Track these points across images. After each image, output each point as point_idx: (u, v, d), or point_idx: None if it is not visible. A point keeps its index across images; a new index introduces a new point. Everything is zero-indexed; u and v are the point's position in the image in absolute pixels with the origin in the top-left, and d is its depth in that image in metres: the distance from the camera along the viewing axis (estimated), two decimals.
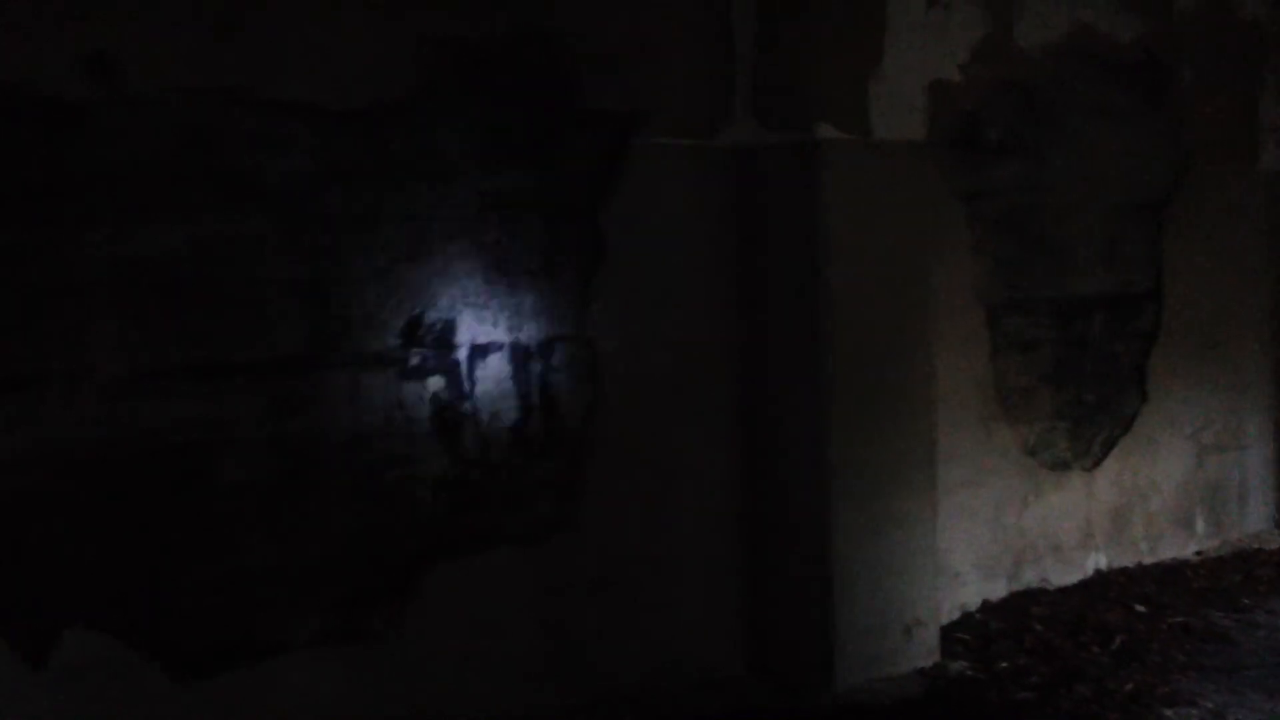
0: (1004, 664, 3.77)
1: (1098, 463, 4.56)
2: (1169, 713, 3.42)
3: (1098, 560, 4.56)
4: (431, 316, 3.23)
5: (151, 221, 2.85)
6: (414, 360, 3.21)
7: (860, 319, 3.56)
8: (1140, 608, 4.21)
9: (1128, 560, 4.64)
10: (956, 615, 4.10)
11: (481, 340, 3.29)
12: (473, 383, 3.29)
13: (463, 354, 3.27)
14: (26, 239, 2.73)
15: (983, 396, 4.21)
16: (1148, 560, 4.70)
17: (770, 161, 3.62)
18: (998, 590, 4.28)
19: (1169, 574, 4.58)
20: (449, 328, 3.25)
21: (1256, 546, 4.93)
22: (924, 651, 3.73)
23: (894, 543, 3.66)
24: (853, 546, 3.58)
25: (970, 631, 4.03)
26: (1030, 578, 4.37)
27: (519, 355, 3.36)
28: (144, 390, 2.86)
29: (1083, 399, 4.51)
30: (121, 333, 2.84)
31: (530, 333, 3.37)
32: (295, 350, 3.04)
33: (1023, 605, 4.24)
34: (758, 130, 3.63)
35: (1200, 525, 4.89)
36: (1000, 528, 4.29)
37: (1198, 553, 4.85)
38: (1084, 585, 4.44)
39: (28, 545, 2.75)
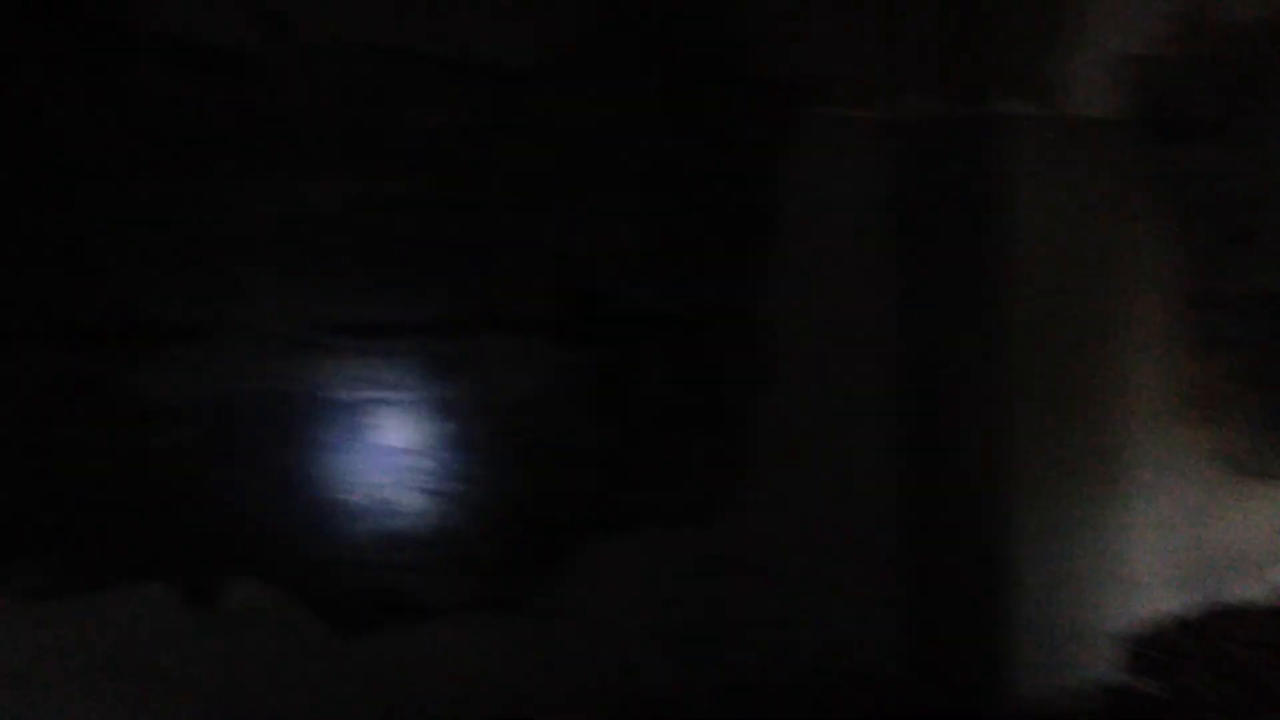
0: (1194, 685, 3.51)
1: None
2: None
3: None
4: (594, 284, 3.19)
5: (318, 176, 2.87)
6: (576, 328, 3.16)
7: (1042, 309, 3.37)
8: None
9: None
10: (1142, 629, 3.85)
11: (644, 311, 3.23)
12: (634, 354, 3.23)
13: (625, 324, 3.22)
14: (200, 190, 2.77)
15: (1175, 397, 3.95)
16: None
17: (949, 136, 3.47)
18: (1189, 605, 4.00)
19: None
20: (612, 296, 3.20)
21: None
22: (1104, 664, 3.50)
23: (1074, 548, 3.45)
24: (1029, 549, 3.39)
25: (1157, 647, 3.78)
26: (1225, 593, 4.07)
27: (682, 328, 3.29)
28: (308, 346, 2.88)
29: None
30: (288, 287, 2.86)
31: (695, 305, 3.30)
32: (457, 312, 3.03)
33: (1218, 623, 3.95)
34: (937, 102, 3.49)
35: None
36: (1192, 538, 4.01)
37: None
38: None
39: (194, 493, 2.79)
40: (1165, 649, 3.77)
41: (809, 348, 3.43)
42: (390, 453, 2.98)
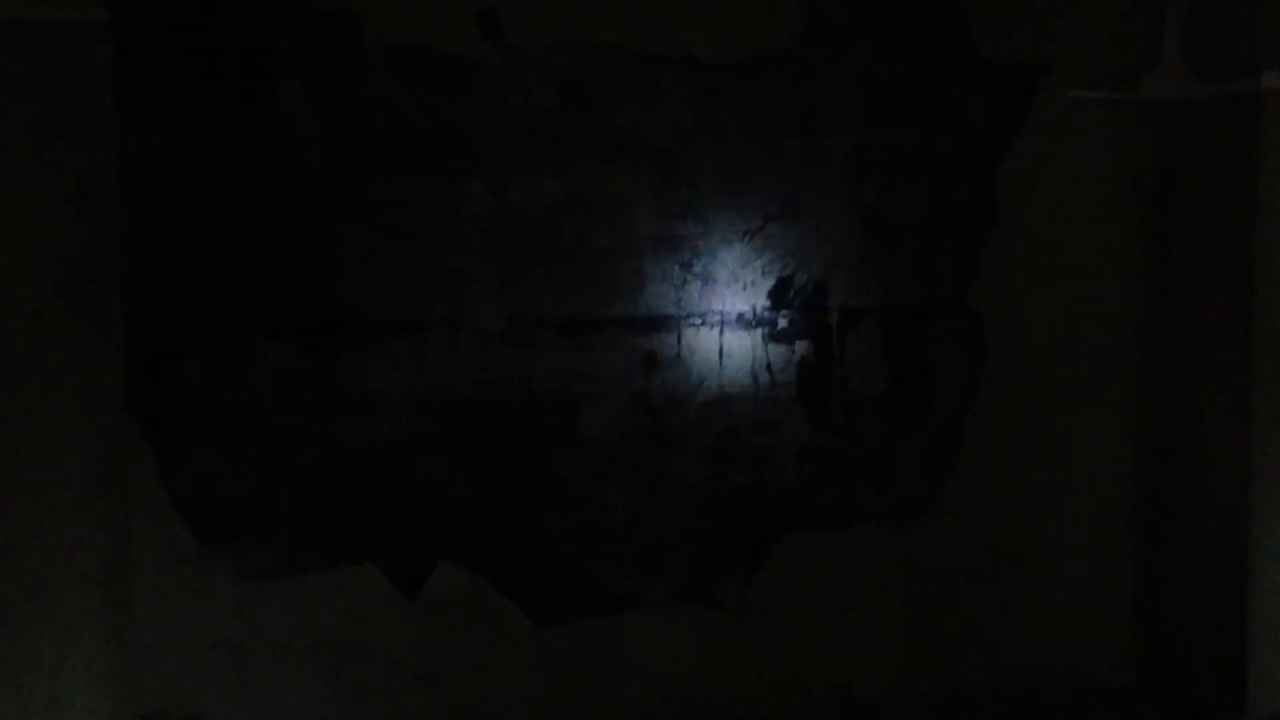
0: None
1: None
2: None
3: None
4: (801, 278, 3.10)
5: (528, 175, 2.90)
6: (782, 322, 3.10)
7: None
8: None
9: None
10: None
11: (854, 304, 3.13)
12: (842, 349, 3.14)
13: (833, 318, 3.13)
14: (416, 190, 2.84)
15: None
16: None
17: (1199, 115, 3.19)
18: None
19: None
20: (820, 290, 3.11)
21: None
22: None
23: None
24: (1277, 554, 3.13)
25: None
26: None
27: (894, 322, 3.17)
28: (516, 340, 2.92)
29: None
30: (498, 284, 2.91)
31: (908, 298, 3.17)
32: (662, 307, 3.01)
33: None
34: (1187, 80, 3.21)
35: None
36: None
37: None
38: None
39: (406, 481, 2.89)
40: None
41: (1032, 343, 3.26)
42: (595, 445, 3.00)
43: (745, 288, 3.06)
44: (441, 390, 2.89)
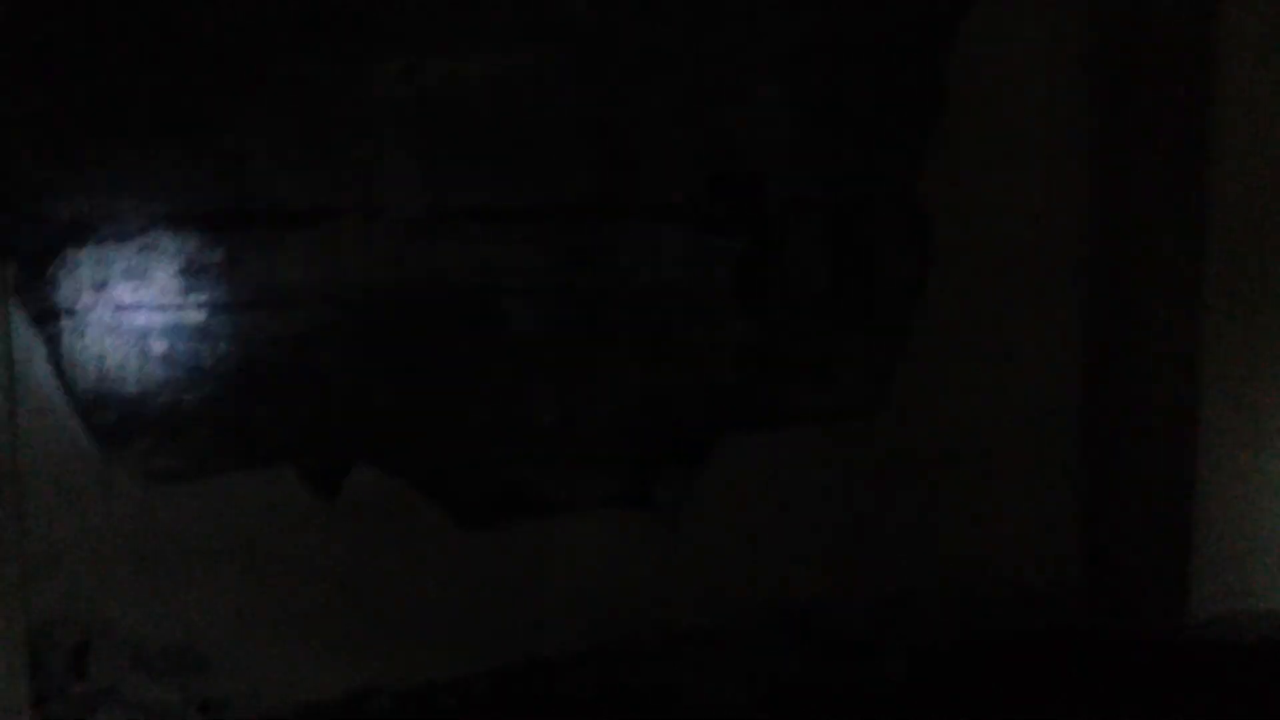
0: None
1: None
2: None
3: None
4: (739, 167, 2.99)
5: (447, 53, 2.74)
6: (718, 213, 2.98)
7: (1258, 189, 2.99)
8: None
9: None
10: None
11: (794, 196, 3.03)
12: (782, 242, 3.03)
13: (772, 209, 3.02)
14: (326, 69, 2.68)
15: None
16: None
17: None
18: None
19: None
20: (758, 180, 3.00)
21: None
22: None
23: (1272, 463, 3.11)
24: (1224, 458, 3.09)
25: None
26: None
27: (836, 215, 3.07)
28: (435, 231, 2.80)
29: None
30: (415, 170, 2.77)
31: (851, 190, 3.07)
32: (590, 196, 2.89)
33: None
34: None
35: None
36: None
37: None
38: None
39: (320, 380, 2.77)
40: None
41: (978, 237, 3.18)
42: (520, 342, 2.89)
43: (679, 176, 2.95)
44: (357, 283, 2.76)
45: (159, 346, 2.63)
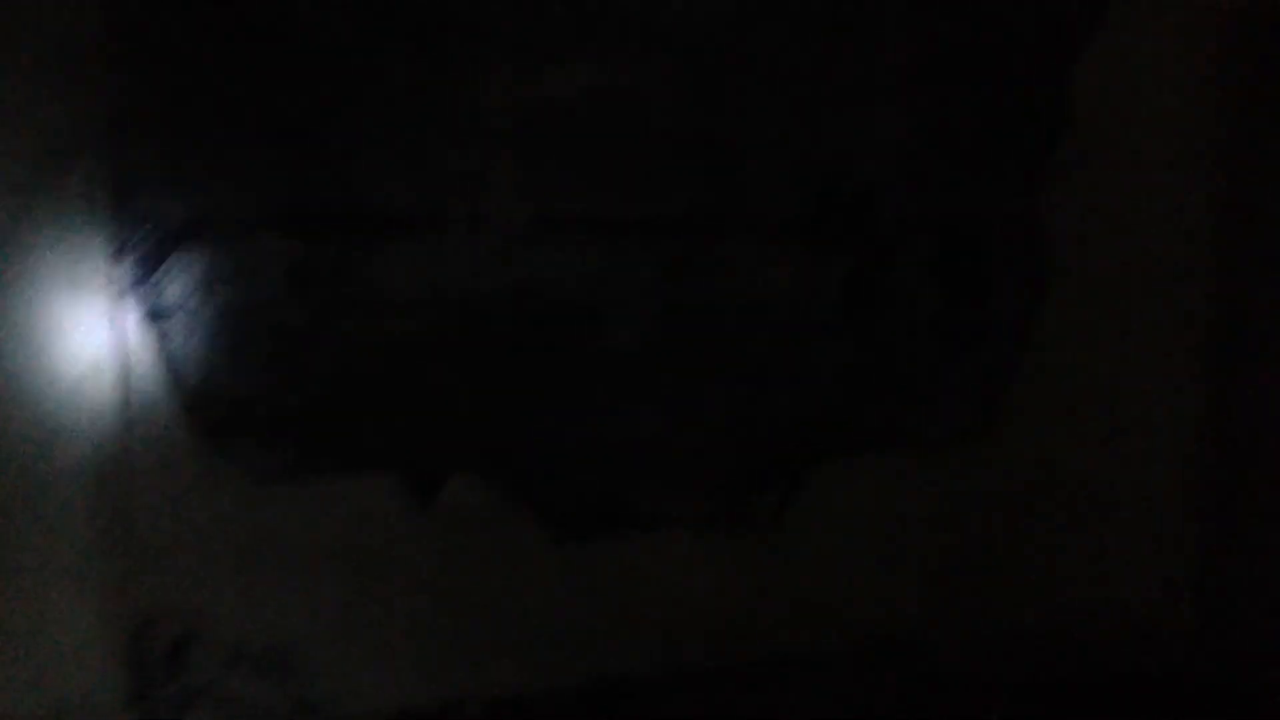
0: None
1: None
2: None
3: None
4: (849, 184, 2.92)
5: (557, 62, 2.73)
6: (826, 231, 2.92)
7: None
8: None
9: None
10: None
11: (907, 213, 2.95)
12: (891, 262, 2.96)
13: (883, 228, 2.94)
14: (433, 75, 2.69)
15: None
16: None
17: None
18: None
19: None
20: (867, 198, 2.93)
21: None
22: None
23: None
24: None
25: None
26: None
27: (949, 234, 2.98)
28: (538, 241, 2.79)
29: None
30: (520, 180, 2.76)
31: (967, 208, 2.98)
32: (695, 210, 2.85)
33: None
34: None
35: None
36: None
37: None
38: None
39: (422, 387, 2.77)
40: None
41: (1100, 266, 3.07)
42: (620, 356, 2.86)
43: (786, 192, 2.89)
44: (461, 292, 2.76)
45: (263, 348, 2.66)
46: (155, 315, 2.58)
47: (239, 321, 2.64)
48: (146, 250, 2.56)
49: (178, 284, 2.59)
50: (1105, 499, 3.15)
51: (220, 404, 2.64)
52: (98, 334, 2.52)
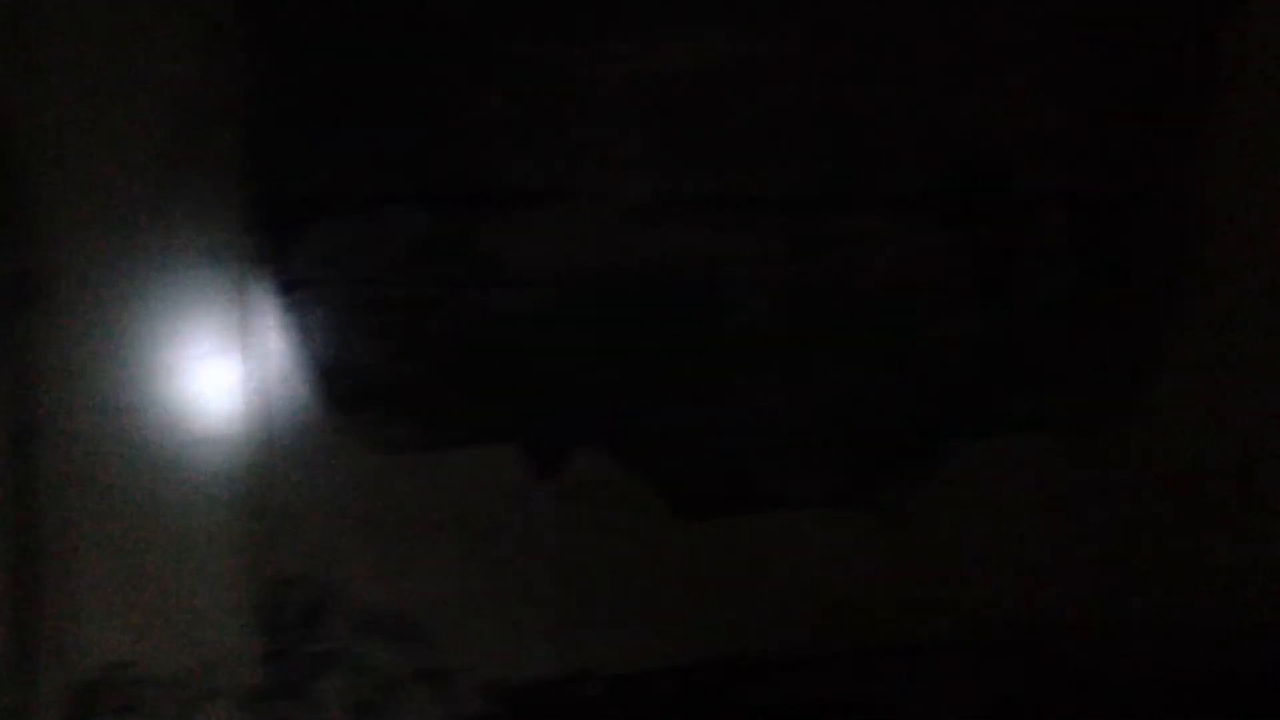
0: None
1: None
2: None
3: None
4: (981, 156, 2.84)
5: (682, 35, 2.71)
6: (957, 207, 2.84)
7: None
8: None
9: None
10: None
11: (1042, 189, 2.85)
12: (1026, 237, 2.86)
13: (1017, 202, 2.85)
14: (558, 48, 2.69)
15: None
16: None
17: None
18: None
19: None
20: (1001, 171, 2.84)
21: None
22: None
23: None
24: None
25: None
26: None
27: (1088, 210, 2.87)
28: (662, 217, 2.78)
29: None
30: (643, 154, 2.75)
31: (1107, 184, 2.87)
32: (822, 186, 2.80)
33: None
34: None
35: None
36: None
37: None
38: None
39: (546, 360, 2.79)
40: None
41: (1253, 230, 2.92)
42: (745, 332, 2.84)
43: (916, 166, 2.82)
44: (586, 266, 2.77)
45: (392, 320, 2.71)
46: (286, 287, 2.65)
47: (367, 294, 2.69)
48: (278, 223, 2.63)
49: (308, 257, 2.65)
50: (1255, 484, 3.00)
51: (349, 375, 2.70)
52: (231, 305, 2.59)
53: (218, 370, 2.60)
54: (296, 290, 2.65)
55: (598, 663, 2.84)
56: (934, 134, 2.81)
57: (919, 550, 2.92)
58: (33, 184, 2.18)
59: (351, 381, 2.70)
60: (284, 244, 2.64)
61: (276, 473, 2.67)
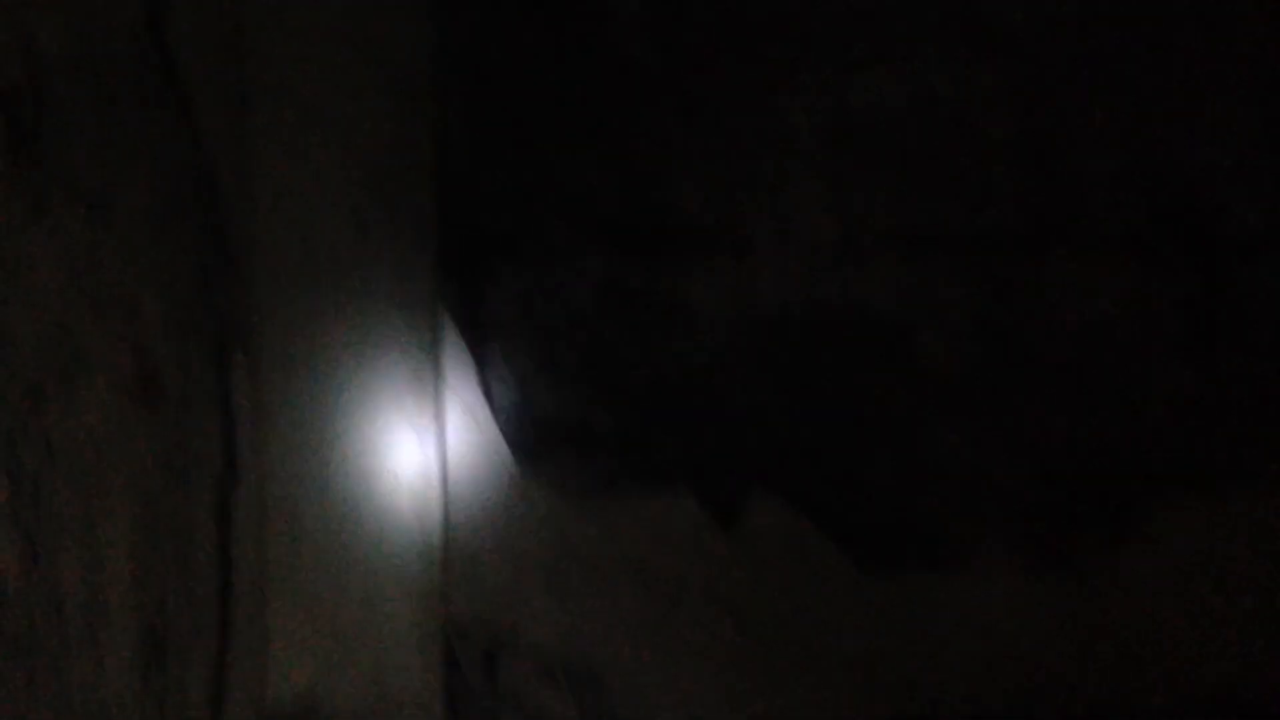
0: None
1: None
2: None
3: None
4: (1188, 195, 2.69)
5: (866, 71, 2.66)
6: (1163, 250, 2.69)
7: None
8: None
9: None
10: None
11: (1257, 228, 2.68)
12: (1238, 282, 2.69)
13: (1227, 244, 2.69)
14: (743, 86, 2.67)
15: None
16: None
17: None
18: None
19: None
20: (1214, 208, 2.68)
21: None
22: None
23: None
24: None
25: None
26: None
27: None
28: (848, 256, 2.72)
29: None
30: (829, 193, 2.70)
31: None
32: (1016, 227, 2.70)
33: None
34: None
35: None
36: None
37: None
38: None
39: (725, 406, 2.75)
40: None
41: None
42: (933, 379, 2.74)
43: (1118, 207, 2.69)
44: (766, 308, 2.73)
45: (575, 365, 2.71)
46: (475, 329, 2.67)
47: (551, 339, 2.69)
48: (466, 265, 2.66)
49: (494, 300, 2.68)
50: None
51: (531, 421, 2.70)
52: (421, 346, 2.63)
53: (407, 411, 2.63)
54: (485, 333, 2.68)
55: (775, 716, 2.76)
56: (1139, 170, 2.67)
57: (1120, 611, 2.75)
58: (252, 231, 2.26)
59: (535, 427, 2.71)
60: (474, 286, 2.67)
61: (461, 517, 2.69)
